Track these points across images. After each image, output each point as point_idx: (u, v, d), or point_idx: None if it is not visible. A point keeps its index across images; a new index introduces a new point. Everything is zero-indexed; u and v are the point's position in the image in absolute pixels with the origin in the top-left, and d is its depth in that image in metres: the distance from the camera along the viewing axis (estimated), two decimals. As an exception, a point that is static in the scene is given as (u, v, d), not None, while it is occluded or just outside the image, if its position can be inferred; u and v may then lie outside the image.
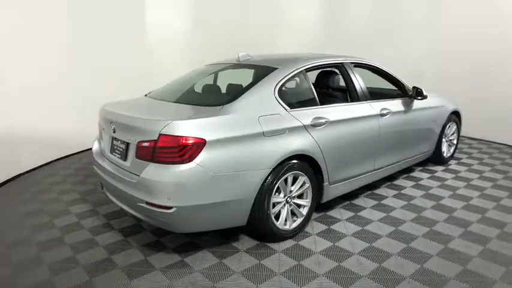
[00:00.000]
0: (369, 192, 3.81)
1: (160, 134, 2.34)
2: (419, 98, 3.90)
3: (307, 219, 3.00)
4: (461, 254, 2.65)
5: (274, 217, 2.76)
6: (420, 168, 4.58)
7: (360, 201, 3.59)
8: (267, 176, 2.59)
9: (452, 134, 4.76)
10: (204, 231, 2.90)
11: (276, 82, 2.84)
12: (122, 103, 3.01)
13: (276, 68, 2.97)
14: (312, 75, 3.91)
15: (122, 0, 5.55)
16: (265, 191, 2.60)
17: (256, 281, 2.36)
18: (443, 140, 4.62)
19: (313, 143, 2.87)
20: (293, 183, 2.85)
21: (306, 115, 2.89)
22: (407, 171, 4.43)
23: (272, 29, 6.87)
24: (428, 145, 4.32)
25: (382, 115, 3.49)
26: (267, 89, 2.78)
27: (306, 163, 2.88)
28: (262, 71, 2.98)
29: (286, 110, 2.79)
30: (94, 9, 5.16)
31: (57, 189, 3.97)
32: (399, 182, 4.12)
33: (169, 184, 2.32)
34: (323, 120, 2.96)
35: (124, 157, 2.65)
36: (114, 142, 2.80)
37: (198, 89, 3.25)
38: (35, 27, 4.40)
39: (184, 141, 2.30)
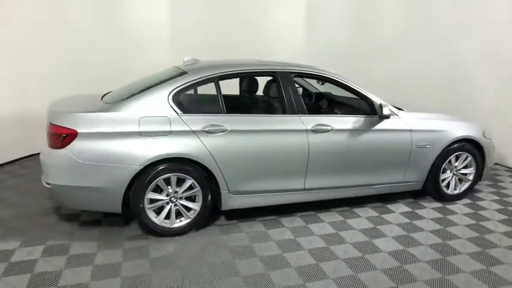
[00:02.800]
0: (311, 212, 3.51)
1: (49, 123, 2.84)
2: (379, 117, 3.36)
3: (198, 222, 3.06)
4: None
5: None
6: (409, 200, 3.89)
7: (287, 219, 3.37)
8: (139, 172, 2.80)
9: (465, 167, 3.85)
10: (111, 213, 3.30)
11: (174, 86, 2.98)
12: (68, 98, 3.44)
13: (186, 73, 3.10)
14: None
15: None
16: (138, 186, 2.82)
17: (92, 263, 2.64)
18: (448, 172, 3.79)
19: (202, 148, 2.91)
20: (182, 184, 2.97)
21: (199, 121, 2.94)
22: (385, 199, 3.84)
23: (290, 32, 6.61)
24: (413, 175, 3.65)
25: (315, 131, 3.19)
26: (161, 92, 2.95)
27: (198, 168, 2.95)
28: (175, 75, 3.15)
29: (177, 113, 2.92)
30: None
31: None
32: (360, 210, 3.62)
33: (46, 164, 2.83)
34: (220, 128, 2.96)
35: None
36: None
37: (133, 88, 3.43)
38: (54, 20, 5.04)
39: (59, 130, 2.74)
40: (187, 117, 2.94)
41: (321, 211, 3.56)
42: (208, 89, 3.30)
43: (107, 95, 3.33)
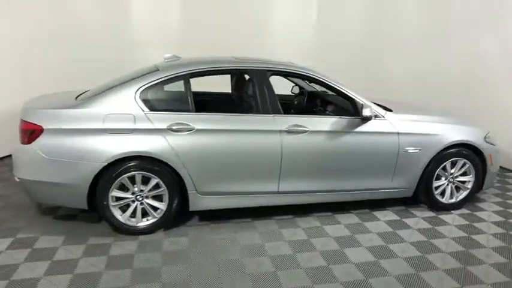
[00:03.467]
0: (289, 216, 3.37)
1: (20, 119, 2.89)
2: (360, 118, 3.15)
3: (166, 222, 3.02)
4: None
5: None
6: (400, 208, 3.64)
7: (261, 223, 3.25)
8: (103, 170, 2.79)
9: (464, 174, 3.53)
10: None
11: (142, 84, 2.94)
12: (45, 95, 3.50)
13: (157, 70, 3.06)
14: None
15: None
16: (102, 183, 2.81)
17: (49, 258, 2.66)
18: (443, 179, 3.50)
19: (167, 147, 2.86)
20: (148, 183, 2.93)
21: (166, 119, 2.88)
22: (373, 206, 3.61)
23: (300, 28, 6.38)
24: (402, 181, 3.40)
25: (290, 132, 3.05)
26: (128, 90, 2.92)
27: (165, 167, 2.90)
28: (147, 72, 3.10)
29: (143, 111, 2.88)
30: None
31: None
32: (342, 216, 3.42)
33: (15, 159, 2.90)
34: (187, 127, 2.89)
35: None
36: None
37: (107, 85, 3.31)
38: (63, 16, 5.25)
39: (26, 126, 2.79)
40: (153, 115, 2.89)
41: (300, 216, 3.40)
42: (209, 86, 3.21)
43: (84, 93, 3.35)
